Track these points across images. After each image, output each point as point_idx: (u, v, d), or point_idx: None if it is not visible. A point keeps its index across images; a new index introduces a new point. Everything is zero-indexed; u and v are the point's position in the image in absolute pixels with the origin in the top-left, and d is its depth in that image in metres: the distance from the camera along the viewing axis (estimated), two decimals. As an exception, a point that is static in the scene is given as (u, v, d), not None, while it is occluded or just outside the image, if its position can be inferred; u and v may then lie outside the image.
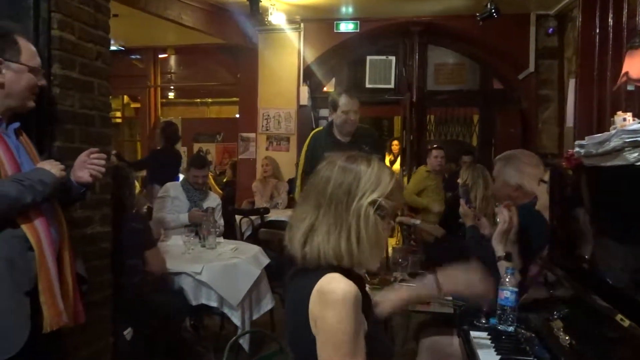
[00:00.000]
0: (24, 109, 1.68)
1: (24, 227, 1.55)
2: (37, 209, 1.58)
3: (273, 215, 4.84)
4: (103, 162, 1.75)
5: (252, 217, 4.75)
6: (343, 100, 2.84)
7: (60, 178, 1.62)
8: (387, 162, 5.42)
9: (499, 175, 2.28)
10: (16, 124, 1.68)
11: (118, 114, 8.19)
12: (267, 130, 6.48)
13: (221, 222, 3.68)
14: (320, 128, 3.04)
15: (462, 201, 2.27)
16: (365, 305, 1.10)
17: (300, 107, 6.43)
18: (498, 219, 1.87)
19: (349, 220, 1.11)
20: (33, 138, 1.80)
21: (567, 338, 1.27)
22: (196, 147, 8.13)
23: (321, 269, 1.10)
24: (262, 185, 5.60)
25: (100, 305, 2.27)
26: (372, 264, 1.12)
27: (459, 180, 3.15)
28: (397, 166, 6.43)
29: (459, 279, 1.23)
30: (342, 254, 1.10)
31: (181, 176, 4.89)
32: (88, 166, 1.73)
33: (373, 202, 1.12)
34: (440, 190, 4.91)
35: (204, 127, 8.31)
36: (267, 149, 6.44)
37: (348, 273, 1.10)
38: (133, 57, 7.56)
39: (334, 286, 1.05)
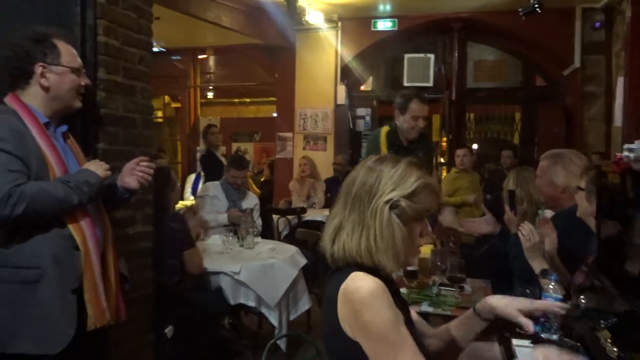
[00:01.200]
0: (71, 109, 1.74)
1: (71, 227, 1.60)
2: (84, 209, 1.64)
3: (310, 215, 4.86)
4: (151, 170, 1.80)
5: (290, 217, 4.75)
6: (414, 105, 2.78)
7: (104, 178, 1.68)
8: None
9: (545, 174, 2.22)
10: (64, 127, 1.74)
11: (159, 113, 8.27)
12: (304, 129, 6.51)
13: (259, 222, 3.71)
14: (387, 128, 2.93)
15: (506, 207, 2.22)
16: (399, 305, 1.10)
17: (338, 106, 6.45)
18: (520, 234, 1.85)
19: (368, 218, 1.12)
20: (79, 140, 1.85)
21: (615, 349, 1.24)
22: (234, 146, 8.23)
23: (347, 268, 1.11)
24: (300, 184, 5.61)
25: (141, 303, 2.31)
26: (389, 266, 1.11)
27: (506, 185, 3.12)
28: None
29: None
30: (362, 252, 1.11)
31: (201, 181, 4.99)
32: (137, 173, 1.79)
33: (389, 201, 1.11)
34: (477, 189, 4.85)
35: (242, 126, 8.40)
36: (304, 148, 6.47)
37: (375, 273, 1.10)
38: (174, 57, 7.67)
39: (359, 284, 1.06)
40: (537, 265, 1.82)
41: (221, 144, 5.46)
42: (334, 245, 1.15)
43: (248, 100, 8.66)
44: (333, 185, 5.44)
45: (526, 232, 1.85)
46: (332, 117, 6.42)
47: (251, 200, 3.80)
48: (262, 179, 6.77)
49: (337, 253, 1.14)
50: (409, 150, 2.78)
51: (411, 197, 1.13)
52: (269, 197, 6.21)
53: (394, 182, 1.13)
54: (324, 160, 6.21)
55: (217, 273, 2.89)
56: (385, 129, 2.87)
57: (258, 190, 5.93)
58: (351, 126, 6.55)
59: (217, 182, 3.86)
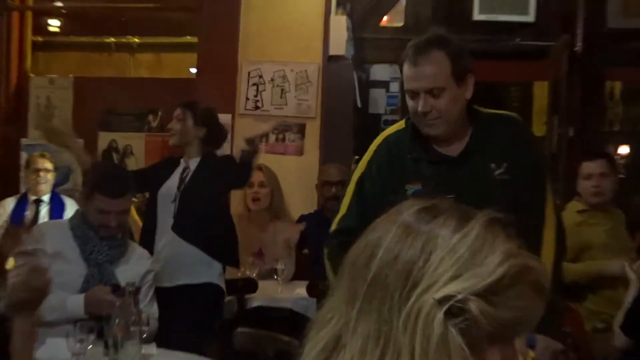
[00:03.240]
0: None
1: None
2: None
3: (264, 296, 5.06)
4: None
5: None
6: (406, 67, 3.02)
7: None
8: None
9: None
10: None
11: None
12: (257, 108, 6.44)
13: (153, 309, 3.95)
14: (398, 126, 3.23)
15: None
16: None
17: (330, 60, 6.35)
18: None
19: (399, 331, 1.17)
20: None
21: None
22: (104, 139, 7.93)
23: None
24: (247, 226, 5.65)
25: None
26: None
27: None
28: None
29: None
30: None
31: (68, 206, 5.82)
32: None
33: (445, 300, 1.15)
34: (623, 246, 4.86)
35: (122, 98, 7.98)
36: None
37: None
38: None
39: None
40: None
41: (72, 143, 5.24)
42: None
43: (136, 41, 8.54)
44: (317, 231, 5.39)
45: None
46: (318, 84, 6.38)
47: (137, 264, 3.98)
48: None
49: None
50: (459, 162, 3.03)
51: (492, 294, 1.16)
52: None
53: (455, 261, 1.17)
54: (299, 174, 6.30)
55: None
56: (385, 134, 3.20)
57: None
58: (359, 103, 6.48)
59: (63, 222, 4.17)
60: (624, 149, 6.94)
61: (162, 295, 4.48)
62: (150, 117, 8.14)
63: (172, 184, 4.93)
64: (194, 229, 4.78)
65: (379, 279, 1.23)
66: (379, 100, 6.72)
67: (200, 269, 4.93)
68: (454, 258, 1.20)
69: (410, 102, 3.06)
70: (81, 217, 3.98)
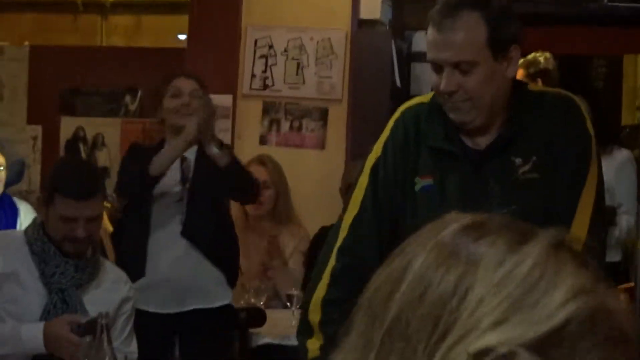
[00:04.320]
0: None
1: None
2: None
3: (273, 330, 5.19)
4: None
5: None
6: (430, 24, 3.04)
7: None
8: None
9: None
10: None
11: None
12: (265, 87, 6.57)
13: (130, 348, 4.06)
14: (422, 99, 3.31)
15: None
16: None
17: (361, 25, 6.56)
18: None
19: None
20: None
21: None
22: (68, 126, 8.19)
23: None
24: (244, 235, 5.72)
25: None
26: None
27: None
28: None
29: None
30: None
31: (22, 211, 5.96)
32: None
33: (483, 355, 1.10)
34: None
35: (93, 73, 8.33)
36: (263, 139, 6.58)
37: None
38: None
39: None
40: None
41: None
42: None
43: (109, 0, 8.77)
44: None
45: None
46: (345, 57, 6.50)
47: (111, 290, 4.10)
48: None
49: None
50: (492, 156, 3.08)
51: (550, 347, 1.11)
52: None
53: (505, 302, 1.13)
54: (320, 174, 6.49)
55: None
56: (404, 107, 3.26)
57: None
58: (397, 82, 6.60)
59: (17, 234, 4.39)
60: None
61: (167, 324, 4.57)
62: (128, 99, 8.38)
63: (172, 178, 4.95)
64: (207, 237, 4.81)
65: (399, 324, 1.20)
66: (423, 78, 6.44)
67: (217, 288, 4.99)
68: (499, 297, 1.15)
69: (433, 77, 3.03)
70: (40, 227, 3.95)
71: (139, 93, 8.31)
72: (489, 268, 1.16)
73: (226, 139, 6.16)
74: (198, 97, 4.93)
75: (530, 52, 6.17)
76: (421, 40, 6.63)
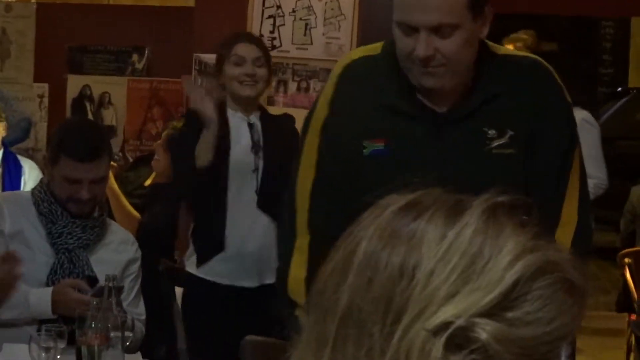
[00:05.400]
0: None
1: None
2: None
3: None
4: None
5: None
6: None
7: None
8: None
9: None
10: None
11: None
12: (273, 47, 6.51)
13: (138, 310, 4.06)
14: (369, 51, 3.16)
15: None
16: None
17: None
18: None
19: None
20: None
21: None
22: (75, 84, 8.21)
23: None
24: None
25: None
26: None
27: None
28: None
29: None
30: None
31: (27, 169, 6.09)
32: None
33: (441, 329, 1.16)
34: None
35: (100, 31, 8.35)
36: (271, 100, 6.63)
37: None
38: None
39: None
40: None
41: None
42: None
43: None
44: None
45: None
46: (354, 17, 6.53)
47: (118, 251, 4.14)
48: (147, 182, 6.67)
49: None
50: (452, 126, 2.93)
51: (504, 310, 1.17)
52: (168, 231, 6.23)
53: (452, 273, 1.17)
54: None
55: None
56: (348, 58, 3.16)
57: (137, 215, 6.16)
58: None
59: (23, 195, 4.45)
60: None
61: (243, 298, 4.62)
62: (135, 57, 8.31)
63: (244, 146, 4.88)
64: (279, 209, 4.69)
65: (352, 312, 1.22)
66: None
67: None
68: (446, 270, 1.18)
69: (402, 40, 2.84)
70: (46, 188, 3.98)
71: (146, 52, 8.32)
72: (431, 243, 1.19)
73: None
74: (261, 66, 4.84)
75: (544, 13, 6.14)
76: None
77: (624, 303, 6.39)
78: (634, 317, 6.03)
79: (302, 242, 3.01)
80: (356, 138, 2.82)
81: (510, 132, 2.81)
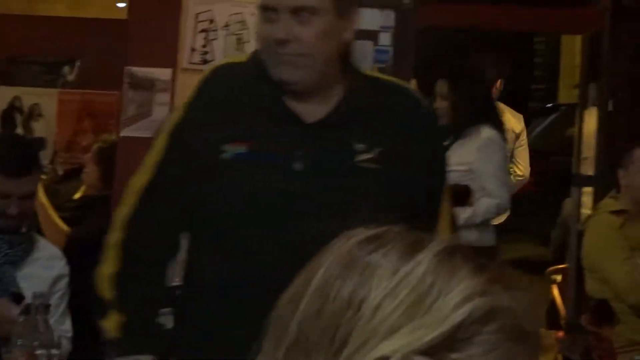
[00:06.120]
0: None
1: None
2: None
3: None
4: None
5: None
6: None
7: None
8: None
9: None
10: None
11: None
12: (204, 62, 6.46)
13: (64, 326, 4.03)
14: (237, 58, 3.37)
15: None
16: None
17: None
18: None
19: None
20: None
21: None
22: (5, 96, 8.11)
23: None
24: None
25: None
26: None
27: None
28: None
29: None
30: None
31: None
32: None
33: None
34: None
35: (31, 41, 8.25)
36: None
37: None
38: None
39: None
40: None
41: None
42: None
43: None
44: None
45: None
46: None
47: (46, 267, 4.10)
48: (77, 195, 6.56)
49: None
50: (303, 142, 2.89)
51: (445, 350, 1.16)
52: (98, 245, 5.61)
53: (398, 309, 1.17)
54: None
55: None
56: (214, 66, 3.22)
57: (66, 228, 6.06)
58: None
59: None
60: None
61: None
62: (67, 69, 8.28)
63: None
64: None
65: (300, 340, 1.22)
66: (365, 55, 6.32)
67: None
68: (392, 305, 1.18)
69: (263, 27, 2.88)
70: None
71: (78, 63, 8.30)
72: (382, 277, 1.19)
73: (164, 113, 6.09)
74: None
75: (479, 28, 6.20)
76: (363, 18, 6.61)
77: (552, 320, 6.42)
78: (561, 334, 6.03)
79: (117, 238, 2.95)
80: (215, 142, 2.79)
81: (379, 149, 2.80)
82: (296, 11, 2.75)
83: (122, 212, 2.97)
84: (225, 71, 3.05)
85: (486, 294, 1.19)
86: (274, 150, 2.71)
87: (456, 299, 1.18)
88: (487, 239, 5.79)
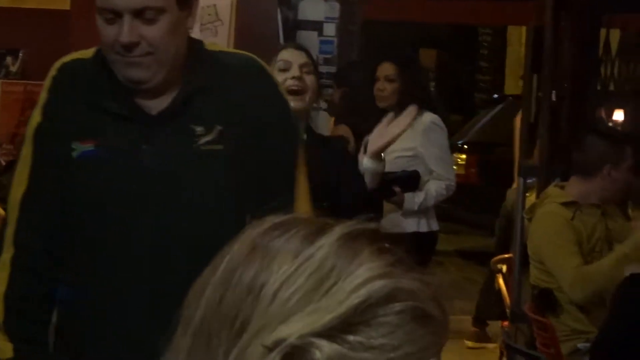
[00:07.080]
0: None
1: None
2: None
3: None
4: None
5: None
6: None
7: None
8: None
9: None
10: None
11: None
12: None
13: None
14: (81, 55, 3.06)
15: None
16: None
17: None
18: None
19: None
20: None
21: None
22: None
23: None
24: None
25: None
26: None
27: None
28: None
29: None
30: None
31: None
32: None
33: (276, 346, 1.16)
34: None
35: None
36: None
37: None
38: None
39: None
40: None
41: None
42: None
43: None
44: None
45: None
46: (231, 23, 6.71)
47: None
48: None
49: None
50: (148, 134, 2.82)
51: (343, 332, 1.17)
52: None
53: (296, 294, 1.18)
54: None
55: None
56: (60, 62, 3.02)
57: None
58: (282, 41, 6.84)
59: None
60: (619, 114, 7.08)
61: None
62: (9, 60, 8.27)
63: None
64: None
65: (203, 327, 1.24)
66: (310, 46, 6.45)
67: None
68: (291, 289, 1.19)
69: (105, 29, 2.76)
70: None
71: (20, 55, 8.24)
72: (283, 262, 1.20)
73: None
74: (310, 74, 4.42)
75: (428, 21, 6.21)
76: (307, 8, 7.00)
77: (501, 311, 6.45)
78: (506, 323, 6.07)
79: (6, 256, 2.84)
80: (66, 141, 2.73)
81: (219, 128, 2.75)
82: (140, 12, 2.68)
83: (10, 228, 2.86)
84: (71, 69, 2.94)
85: (386, 277, 1.19)
86: (120, 146, 2.65)
87: (355, 282, 1.18)
88: (434, 223, 5.94)
